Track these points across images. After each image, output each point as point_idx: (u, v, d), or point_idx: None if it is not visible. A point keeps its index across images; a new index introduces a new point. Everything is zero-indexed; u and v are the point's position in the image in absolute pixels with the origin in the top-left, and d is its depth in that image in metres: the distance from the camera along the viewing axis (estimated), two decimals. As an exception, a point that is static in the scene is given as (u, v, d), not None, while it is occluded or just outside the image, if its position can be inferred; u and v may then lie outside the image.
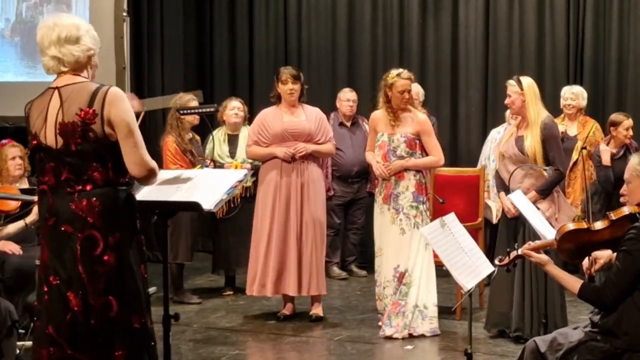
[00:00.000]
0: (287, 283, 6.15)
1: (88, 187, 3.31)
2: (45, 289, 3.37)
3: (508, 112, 7.44)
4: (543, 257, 3.88)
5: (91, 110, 3.28)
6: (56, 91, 3.37)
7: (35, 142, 3.39)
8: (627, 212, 3.69)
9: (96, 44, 3.45)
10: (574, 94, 7.49)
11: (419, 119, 6.00)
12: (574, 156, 7.27)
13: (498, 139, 7.11)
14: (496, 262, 4.05)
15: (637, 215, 3.67)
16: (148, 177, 3.38)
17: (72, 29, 3.36)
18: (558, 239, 3.83)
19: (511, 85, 5.66)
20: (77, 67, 3.39)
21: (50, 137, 3.34)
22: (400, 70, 6.03)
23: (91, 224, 3.30)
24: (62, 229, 3.32)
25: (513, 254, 3.96)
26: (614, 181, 6.81)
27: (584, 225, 3.78)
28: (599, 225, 3.75)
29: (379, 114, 6.08)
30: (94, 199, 3.30)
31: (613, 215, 3.73)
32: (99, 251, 3.30)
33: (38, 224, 5.23)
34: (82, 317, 3.30)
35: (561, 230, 3.82)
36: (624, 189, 3.82)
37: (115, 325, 3.33)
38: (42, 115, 3.38)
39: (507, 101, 5.69)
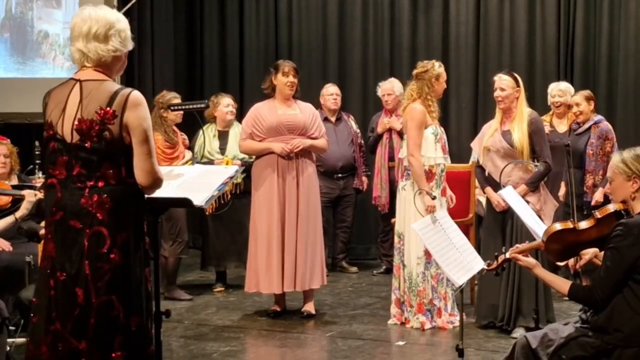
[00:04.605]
0: (283, 280, 6.11)
1: (100, 184, 3.27)
2: (52, 283, 3.29)
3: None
4: (531, 260, 3.88)
5: (111, 111, 3.25)
6: (77, 84, 3.34)
7: (51, 132, 3.34)
8: (612, 210, 3.72)
9: (125, 46, 3.41)
10: (561, 91, 7.46)
11: None
12: None
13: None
14: (484, 266, 4.05)
15: (622, 212, 3.69)
16: (153, 186, 3.34)
17: (103, 27, 3.33)
18: (545, 240, 3.84)
19: (504, 79, 5.67)
20: (101, 64, 3.36)
21: (67, 130, 3.30)
22: (433, 61, 6.07)
23: (100, 221, 3.25)
24: (71, 223, 3.27)
25: (501, 258, 3.95)
26: None
27: (570, 225, 3.79)
28: (584, 224, 3.76)
29: (423, 107, 5.93)
30: (105, 195, 3.26)
31: (598, 214, 3.75)
32: (105, 248, 3.25)
33: (28, 218, 5.27)
34: (84, 314, 3.25)
35: (548, 231, 3.84)
36: (607, 188, 3.83)
37: (115, 325, 3.27)
38: (60, 106, 3.33)
39: (498, 94, 5.67)
